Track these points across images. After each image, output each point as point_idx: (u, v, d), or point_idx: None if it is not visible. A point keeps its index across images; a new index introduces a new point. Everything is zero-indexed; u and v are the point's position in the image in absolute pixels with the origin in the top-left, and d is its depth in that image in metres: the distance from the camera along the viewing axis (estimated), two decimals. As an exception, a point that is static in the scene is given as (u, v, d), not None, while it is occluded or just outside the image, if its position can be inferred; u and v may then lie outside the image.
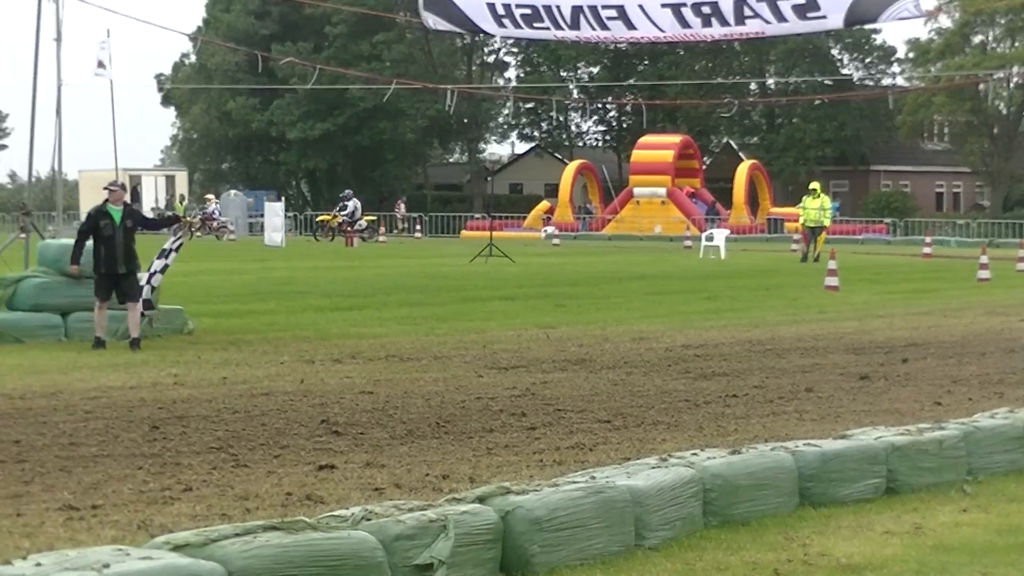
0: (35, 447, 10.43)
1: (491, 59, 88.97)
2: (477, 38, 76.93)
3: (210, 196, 68.45)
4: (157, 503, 8.52)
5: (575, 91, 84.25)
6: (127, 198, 18.33)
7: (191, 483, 9.13)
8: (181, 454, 10.21)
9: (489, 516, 7.04)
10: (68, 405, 12.42)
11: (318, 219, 60.93)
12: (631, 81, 79.82)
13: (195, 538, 6.10)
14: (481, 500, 7.23)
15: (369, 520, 6.67)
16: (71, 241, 18.50)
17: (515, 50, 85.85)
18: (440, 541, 6.69)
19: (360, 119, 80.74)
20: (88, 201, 63.00)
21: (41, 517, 8.09)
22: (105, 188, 18.02)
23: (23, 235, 21.35)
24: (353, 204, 56.62)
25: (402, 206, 75.40)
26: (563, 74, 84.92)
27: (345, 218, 55.76)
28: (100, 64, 35.02)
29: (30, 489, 8.94)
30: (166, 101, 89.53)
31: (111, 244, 17.42)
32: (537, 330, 19.92)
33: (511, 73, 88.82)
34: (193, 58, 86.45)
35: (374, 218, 61.76)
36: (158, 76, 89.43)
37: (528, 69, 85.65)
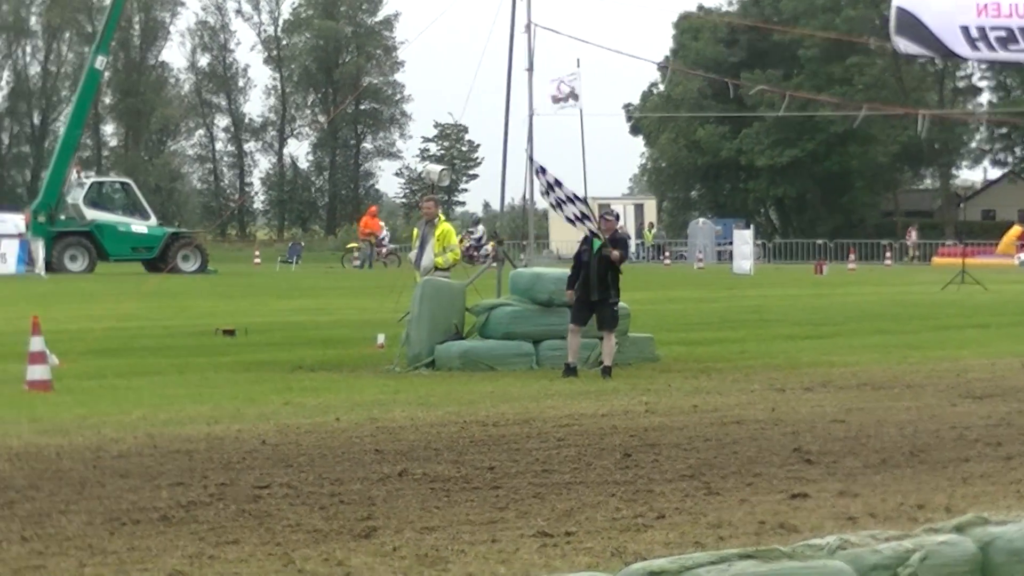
0: (509, 473, 10.66)
1: (963, 84, 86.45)
2: (949, 63, 74.84)
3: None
4: (630, 530, 8.58)
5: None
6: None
7: (664, 510, 9.18)
8: (653, 481, 10.30)
9: (967, 547, 6.82)
10: (540, 432, 12.65)
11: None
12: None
13: (670, 565, 6.15)
14: (959, 530, 7.02)
15: (845, 549, 6.57)
16: (543, 270, 18.96)
17: (988, 74, 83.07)
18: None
19: (829, 145, 79.89)
20: (559, 230, 64.83)
21: (516, 543, 8.23)
22: (600, 216, 18.29)
23: (495, 264, 22.06)
24: (481, 230, 56.24)
25: (913, 234, 73.51)
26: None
27: (472, 243, 55.54)
28: (570, 95, 35.94)
29: (505, 515, 9.12)
30: (634, 130, 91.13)
31: (587, 270, 17.71)
32: (1013, 358, 19.19)
33: (983, 97, 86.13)
34: (661, 87, 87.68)
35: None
36: (626, 106, 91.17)
37: (1002, 93, 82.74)
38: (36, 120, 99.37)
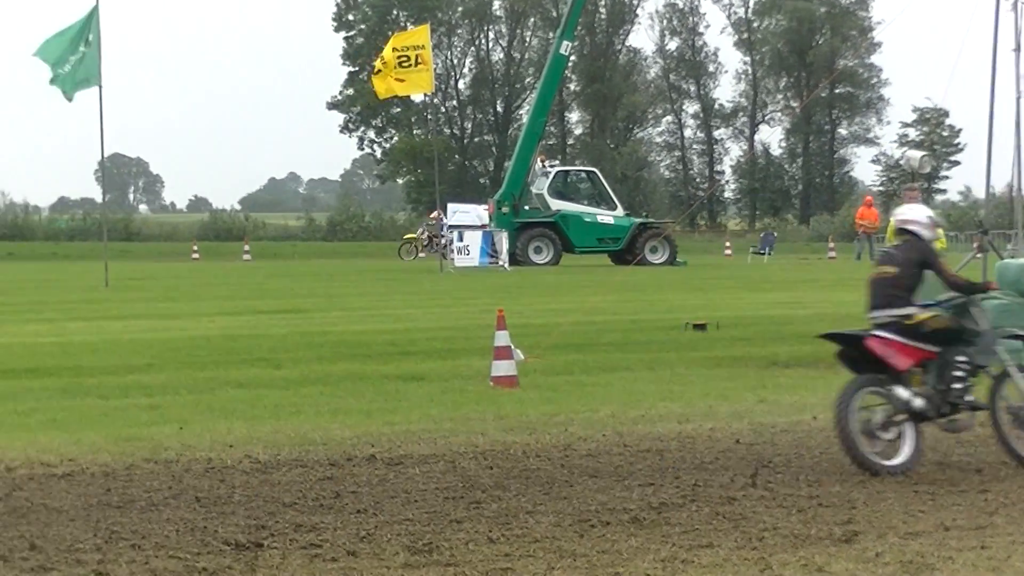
0: (998, 477, 10.47)
1: None
2: None
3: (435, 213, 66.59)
4: None
5: None
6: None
7: None
8: None
9: None
10: None
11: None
12: None
13: None
14: None
15: None
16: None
17: None
18: None
19: None
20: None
21: (1007, 550, 8.07)
22: None
23: (979, 254, 21.35)
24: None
25: None
26: None
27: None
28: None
29: (994, 520, 8.96)
30: None
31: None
32: None
33: None
34: None
35: None
36: None
37: None
38: (499, 108, 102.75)
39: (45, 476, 10.55)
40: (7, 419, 13.21)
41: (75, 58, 35.33)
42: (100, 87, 36.08)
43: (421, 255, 60.98)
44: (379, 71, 44.29)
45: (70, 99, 35.84)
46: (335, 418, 13.37)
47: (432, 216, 65.28)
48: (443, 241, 61.77)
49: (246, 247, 65.23)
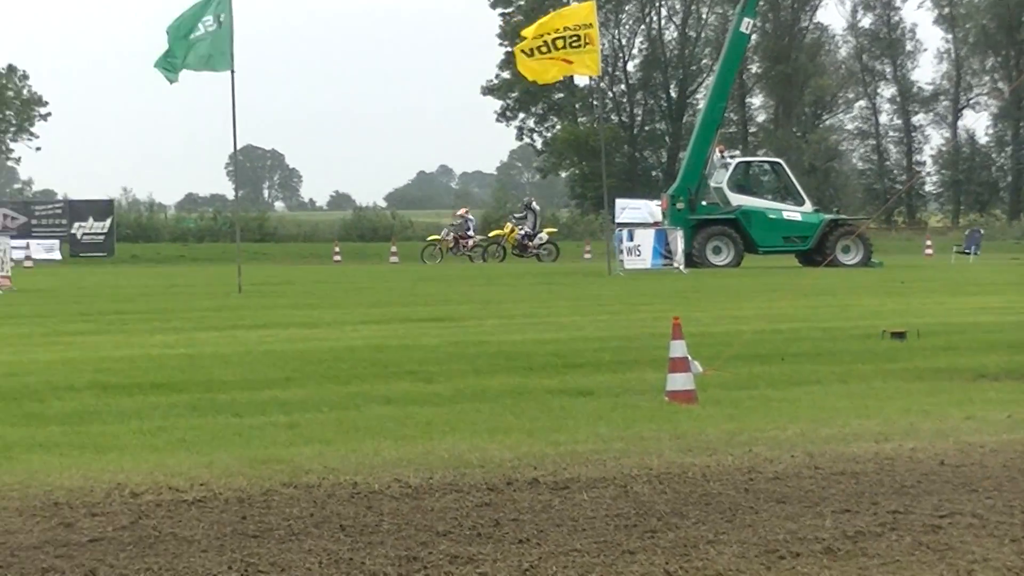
0: None
1: None
2: None
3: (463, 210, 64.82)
4: None
5: None
6: None
7: None
8: None
9: None
10: None
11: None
12: None
13: None
14: None
15: None
16: None
17: None
18: None
19: None
20: None
21: None
22: None
23: None
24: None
25: None
26: None
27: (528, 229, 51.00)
28: None
29: None
30: None
31: None
32: None
33: None
34: None
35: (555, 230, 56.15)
36: None
37: None
38: (673, 92, 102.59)
39: (174, 502, 10.67)
40: (132, 439, 13.40)
41: (196, 36, 35.76)
42: (232, 72, 36.60)
43: (449, 255, 61.26)
44: (531, 52, 44.32)
45: (172, 80, 36.29)
46: (493, 437, 13.38)
47: (458, 214, 65.33)
48: (470, 243, 61.86)
49: (393, 248, 65.86)
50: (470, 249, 62.12)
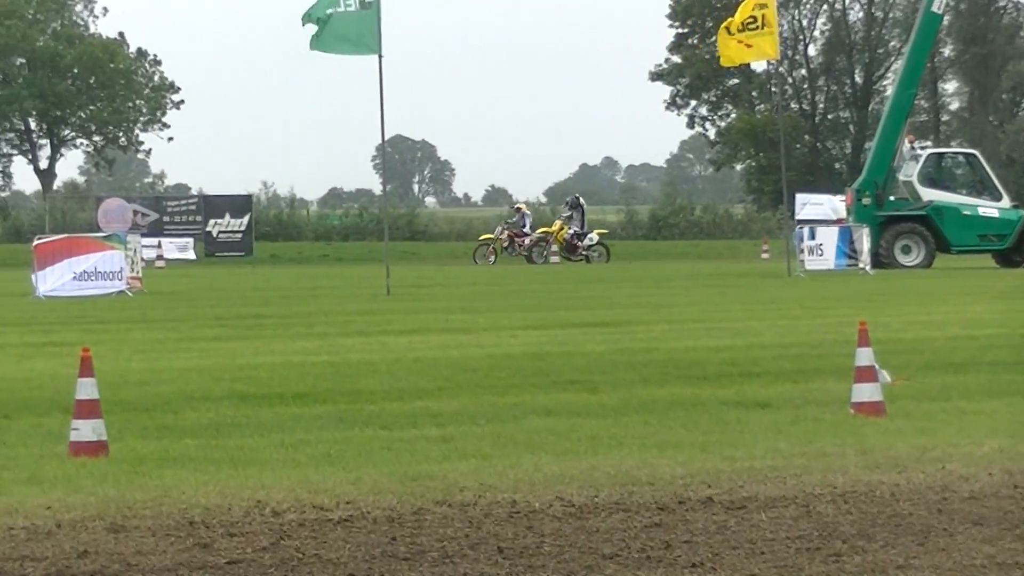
0: None
1: None
2: None
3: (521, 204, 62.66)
4: None
5: None
6: None
7: None
8: None
9: None
10: None
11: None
12: None
13: None
14: None
15: None
16: None
17: None
18: None
19: None
20: None
21: None
22: None
23: None
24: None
25: None
26: None
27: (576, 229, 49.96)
28: None
29: None
30: None
31: None
32: None
33: None
34: None
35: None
36: None
37: None
38: (858, 78, 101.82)
39: (318, 522, 10.74)
40: (273, 453, 13.52)
41: (336, 11, 35.84)
42: (380, 57, 36.78)
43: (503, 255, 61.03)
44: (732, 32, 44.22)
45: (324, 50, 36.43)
46: (663, 452, 13.34)
47: (515, 209, 64.84)
48: (526, 241, 61.27)
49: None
50: (527, 248, 61.80)
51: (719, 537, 10.14)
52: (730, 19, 45.13)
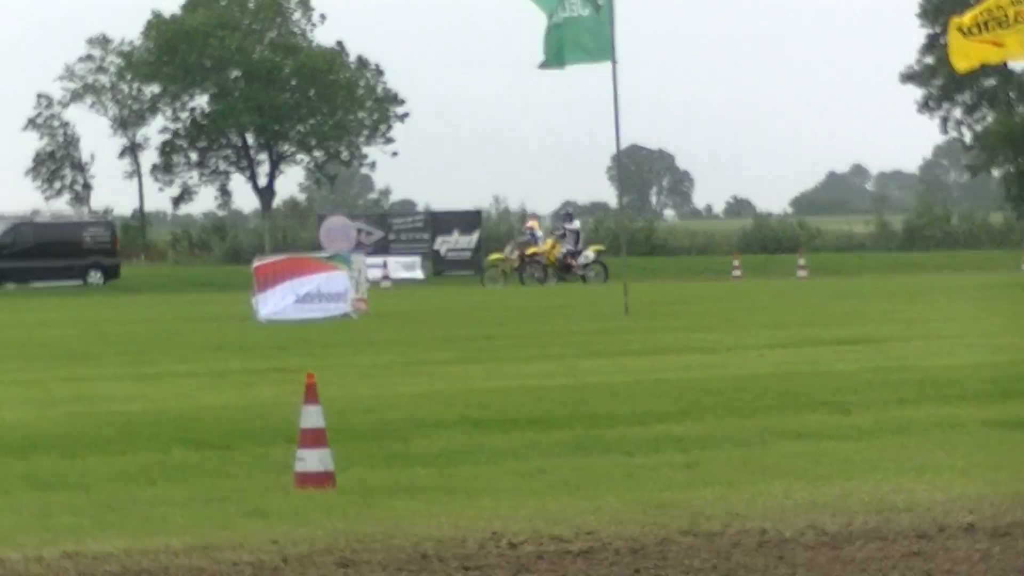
0: None
1: None
2: None
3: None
4: None
5: None
6: None
7: None
8: None
9: None
10: None
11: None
12: None
13: None
14: None
15: None
16: None
17: None
18: None
19: None
20: None
21: None
22: None
23: None
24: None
25: None
26: None
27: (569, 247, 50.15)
28: None
29: None
30: None
31: None
32: None
33: None
34: None
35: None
36: None
37: None
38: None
39: (558, 554, 10.75)
40: (509, 482, 13.54)
41: (567, 16, 35.83)
42: (614, 63, 36.80)
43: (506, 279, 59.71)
44: (967, 32, 43.50)
45: (557, 65, 36.51)
46: (921, 477, 13.17)
47: (526, 227, 63.31)
48: (541, 261, 59.61)
49: (800, 260, 65.55)
50: (542, 270, 60.55)
51: (982, 566, 10.00)
52: (959, 18, 44.30)
